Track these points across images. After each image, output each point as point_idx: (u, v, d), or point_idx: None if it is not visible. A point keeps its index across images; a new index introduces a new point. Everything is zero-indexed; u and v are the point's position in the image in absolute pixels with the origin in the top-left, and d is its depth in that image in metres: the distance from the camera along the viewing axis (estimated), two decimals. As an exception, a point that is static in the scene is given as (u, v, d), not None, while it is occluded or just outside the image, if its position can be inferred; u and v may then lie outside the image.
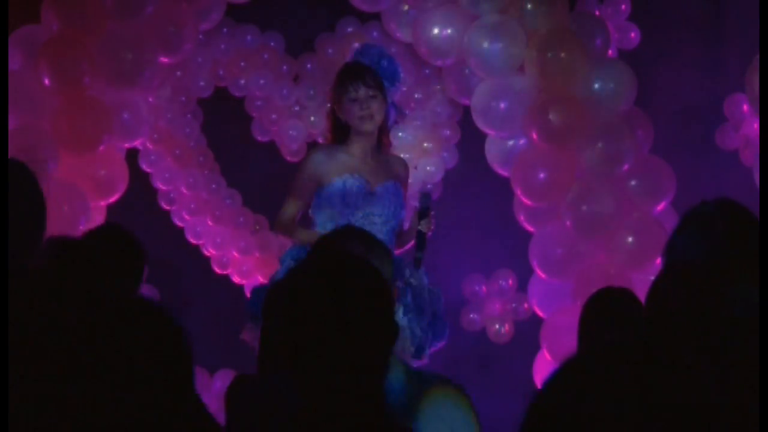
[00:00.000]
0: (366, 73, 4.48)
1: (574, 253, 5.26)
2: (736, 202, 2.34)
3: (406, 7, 5.60)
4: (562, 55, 5.12)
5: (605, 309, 3.76)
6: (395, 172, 4.64)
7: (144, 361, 1.52)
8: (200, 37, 6.06)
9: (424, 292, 4.51)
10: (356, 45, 5.03)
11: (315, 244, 2.82)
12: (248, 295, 6.68)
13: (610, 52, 5.49)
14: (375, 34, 6.43)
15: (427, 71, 6.41)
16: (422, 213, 4.50)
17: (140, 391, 1.45)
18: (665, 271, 2.09)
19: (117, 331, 1.49)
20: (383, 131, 4.61)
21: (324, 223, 4.50)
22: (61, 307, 1.46)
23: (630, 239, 5.17)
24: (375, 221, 4.42)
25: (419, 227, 4.48)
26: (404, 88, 4.74)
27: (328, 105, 4.65)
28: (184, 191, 6.54)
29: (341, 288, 2.02)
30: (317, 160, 4.52)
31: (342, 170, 4.49)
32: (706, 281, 1.80)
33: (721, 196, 2.34)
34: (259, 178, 6.80)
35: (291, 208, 4.55)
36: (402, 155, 5.54)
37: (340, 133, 4.55)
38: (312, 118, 6.61)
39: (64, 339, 1.44)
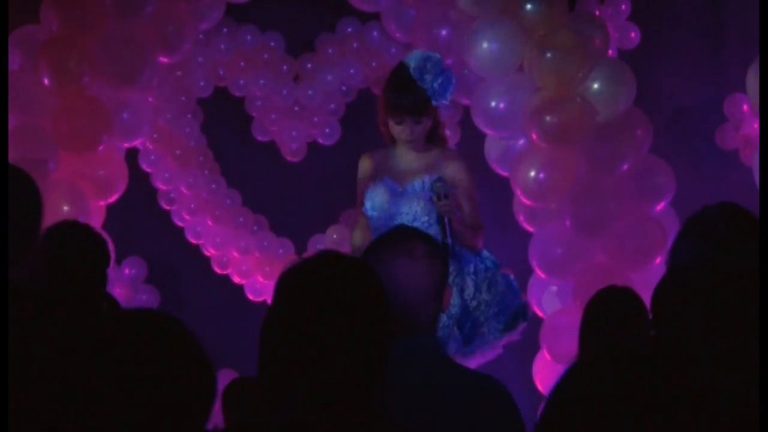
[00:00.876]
0: (414, 107, 4.42)
1: (574, 253, 5.26)
2: (737, 206, 2.34)
3: (406, 8, 5.60)
4: (562, 55, 5.12)
5: (608, 308, 3.76)
6: (438, 167, 4.54)
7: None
8: (200, 37, 6.07)
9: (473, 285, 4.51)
10: (417, 51, 4.70)
11: (380, 239, 2.73)
12: (248, 295, 6.69)
13: (610, 52, 5.48)
14: (375, 34, 6.43)
15: (427, 71, 6.41)
16: (438, 196, 4.37)
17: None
18: (669, 275, 2.10)
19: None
20: (437, 126, 4.58)
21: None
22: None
23: (630, 239, 5.17)
24: (403, 220, 4.39)
25: (438, 209, 4.35)
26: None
27: (378, 112, 4.59)
28: (184, 191, 6.54)
29: (336, 287, 2.04)
30: (361, 168, 4.63)
31: (375, 174, 4.55)
32: (710, 283, 1.81)
33: (722, 201, 2.34)
34: (259, 178, 6.80)
35: (360, 218, 4.67)
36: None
37: (391, 136, 4.58)
38: (315, 119, 6.62)
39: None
